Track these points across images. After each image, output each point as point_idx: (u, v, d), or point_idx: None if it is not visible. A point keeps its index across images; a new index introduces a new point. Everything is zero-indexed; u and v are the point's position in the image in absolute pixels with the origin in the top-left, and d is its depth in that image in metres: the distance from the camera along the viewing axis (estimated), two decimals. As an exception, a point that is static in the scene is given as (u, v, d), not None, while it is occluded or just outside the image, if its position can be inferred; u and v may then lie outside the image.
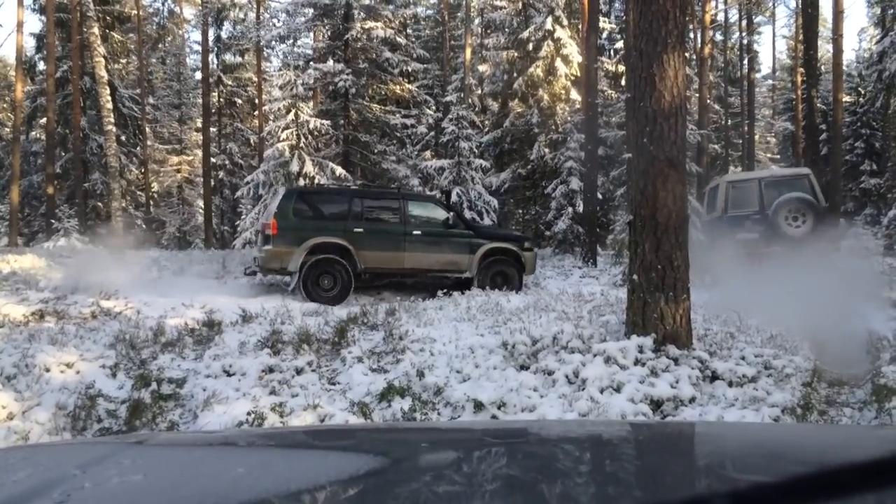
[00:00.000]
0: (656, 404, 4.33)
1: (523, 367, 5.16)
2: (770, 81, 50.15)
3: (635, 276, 5.12)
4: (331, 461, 1.32)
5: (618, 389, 4.42)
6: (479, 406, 4.44)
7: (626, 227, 12.15)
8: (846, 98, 30.28)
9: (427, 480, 1.16)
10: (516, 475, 1.19)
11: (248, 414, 4.36)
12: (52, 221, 22.44)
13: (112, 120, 14.89)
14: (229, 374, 5.42)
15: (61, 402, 4.49)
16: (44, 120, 26.91)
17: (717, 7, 33.08)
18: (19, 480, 1.10)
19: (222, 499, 1.01)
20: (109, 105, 14.80)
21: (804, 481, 0.59)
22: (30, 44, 30.35)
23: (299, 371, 5.50)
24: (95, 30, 14.86)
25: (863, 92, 36.36)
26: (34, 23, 65.34)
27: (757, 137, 40.77)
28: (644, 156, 5.06)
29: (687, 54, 5.17)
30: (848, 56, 35.92)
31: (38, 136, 30.65)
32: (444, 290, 10.29)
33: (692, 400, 4.34)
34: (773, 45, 60.25)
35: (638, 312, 5.10)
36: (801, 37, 39.12)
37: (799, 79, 37.34)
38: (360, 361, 5.81)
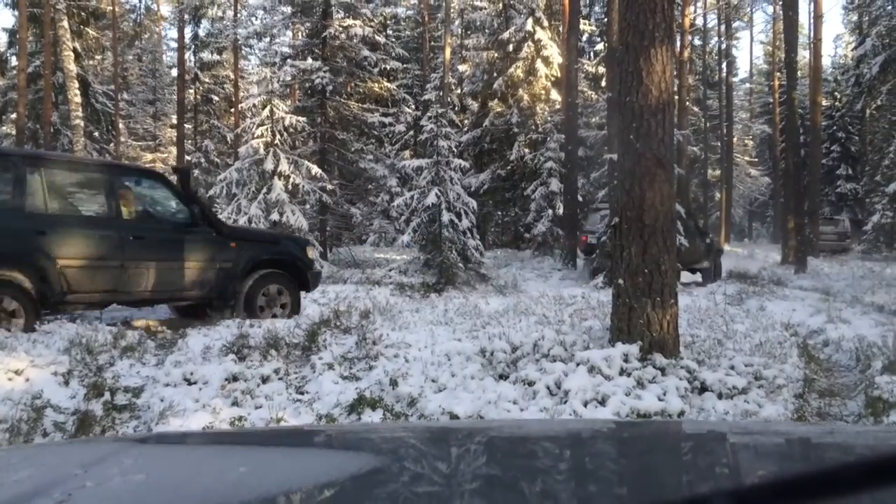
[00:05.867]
0: (643, 418, 4.07)
1: (502, 377, 4.88)
2: (747, 85, 50.51)
3: (621, 281, 4.86)
4: (333, 460, 1.31)
5: (602, 402, 4.16)
6: (454, 419, 4.17)
7: (607, 230, 12.07)
8: (822, 102, 30.39)
9: (429, 478, 1.16)
10: (516, 475, 1.17)
11: (204, 429, 4.04)
12: (21, 219, 21.87)
13: (80, 114, 14.46)
14: (190, 383, 5.09)
15: (2, 415, 4.14)
16: (14, 115, 26.27)
17: (695, 11, 33.14)
18: (20, 480, 1.08)
19: (224, 498, 1.01)
20: (78, 99, 14.37)
21: (798, 480, 0.57)
22: (2, 39, 29.72)
23: (265, 379, 5.18)
24: (65, 23, 14.43)
25: (839, 96, 36.62)
26: (7, 17, 64.29)
27: (735, 140, 40.94)
28: (630, 154, 4.82)
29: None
30: (824, 61, 36.04)
31: (8, 131, 29.95)
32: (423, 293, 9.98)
33: (681, 414, 4.09)
34: (750, 50, 60.83)
35: (623, 319, 4.84)
36: (778, 42, 39.45)
37: (776, 83, 37.58)
38: (331, 368, 5.50)
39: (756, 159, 46.58)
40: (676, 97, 24.73)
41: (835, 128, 35.04)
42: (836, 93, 36.70)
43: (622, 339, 4.79)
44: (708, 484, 1.12)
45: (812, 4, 28.88)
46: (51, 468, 1.17)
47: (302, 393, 5.10)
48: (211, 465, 1.23)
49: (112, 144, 30.52)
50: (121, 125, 32.56)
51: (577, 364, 4.57)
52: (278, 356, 5.85)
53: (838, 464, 0.60)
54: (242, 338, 6.21)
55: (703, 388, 4.47)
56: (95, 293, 7.30)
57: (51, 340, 6.01)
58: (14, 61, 27.15)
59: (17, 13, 25.71)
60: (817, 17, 21.15)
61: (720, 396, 4.40)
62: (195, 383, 5.07)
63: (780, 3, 37.99)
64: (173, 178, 8.57)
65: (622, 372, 4.49)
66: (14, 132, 26.17)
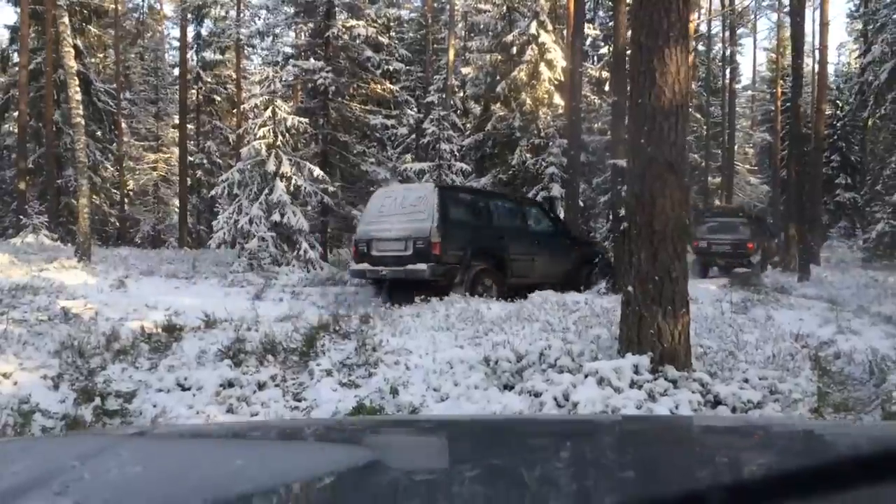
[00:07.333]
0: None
1: (507, 387, 4.72)
2: (749, 93, 50.35)
3: (630, 289, 4.69)
4: (329, 453, 1.32)
5: (612, 415, 4.00)
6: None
7: (608, 235, 12.02)
8: (826, 110, 30.24)
9: (425, 472, 1.16)
10: (511, 468, 1.17)
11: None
12: (21, 217, 21.77)
13: (80, 112, 14.26)
14: (184, 389, 4.92)
15: (-12, 420, 3.99)
16: (16, 113, 26.14)
17: (699, 17, 33.04)
18: (18, 472, 1.09)
19: (221, 490, 1.01)
20: (78, 97, 14.18)
21: (798, 475, 0.57)
22: (4, 35, 29.62)
23: (261, 386, 5.02)
24: (66, 19, 14.23)
25: (840, 104, 36.47)
26: (9, 14, 64.20)
27: (736, 147, 40.76)
28: (641, 158, 4.65)
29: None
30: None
31: (10, 129, 29.83)
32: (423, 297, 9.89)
33: (694, 428, 3.93)
34: (753, 57, 60.55)
35: (633, 328, 4.67)
36: (782, 49, 39.33)
37: (779, 90, 37.45)
38: (329, 375, 5.35)
39: (756, 167, 46.42)
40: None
41: (835, 136, 34.87)
42: (837, 101, 36.55)
43: (632, 349, 4.62)
44: (704, 478, 1.13)
45: (817, 12, 28.81)
46: (48, 460, 1.17)
47: (299, 400, 4.94)
48: (208, 459, 1.24)
49: (115, 144, 30.38)
50: (123, 124, 32.42)
51: (586, 375, 4.41)
52: (275, 361, 5.70)
53: (838, 459, 0.63)
54: (239, 342, 6.05)
55: (717, 402, 4.31)
56: (521, 277, 10.83)
57: (41, 342, 5.85)
58: (16, 58, 27.06)
59: (19, 9, 25.65)
60: (823, 25, 20.97)
61: (734, 410, 4.23)
62: (189, 389, 4.91)
63: (785, 10, 38.05)
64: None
65: (633, 384, 4.32)
66: (16, 130, 26.10)
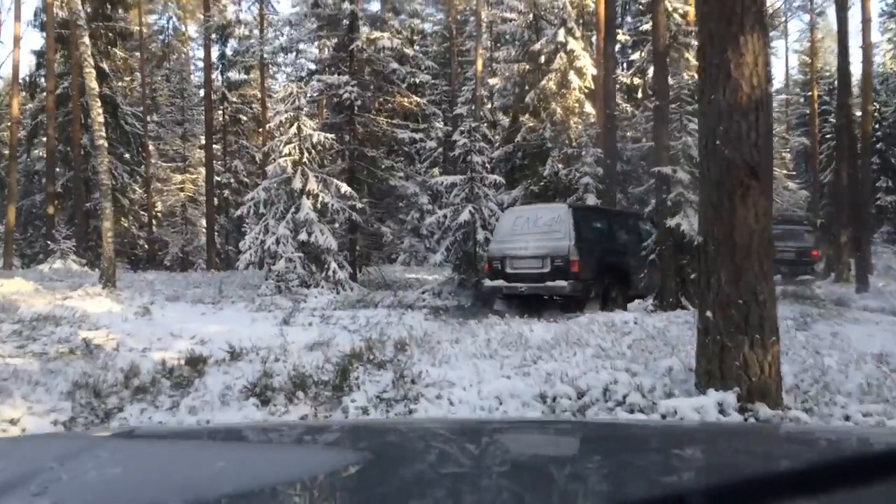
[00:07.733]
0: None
1: (569, 429, 4.16)
2: (783, 96, 49.27)
3: (709, 314, 4.07)
4: (314, 456, 1.29)
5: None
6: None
7: (655, 248, 11.36)
8: (859, 112, 29.27)
9: (411, 476, 1.10)
10: (500, 471, 1.15)
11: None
12: (49, 243, 21.69)
13: (104, 134, 13.98)
14: (205, 434, 4.43)
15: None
16: (45, 138, 26.26)
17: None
18: None
19: (202, 492, 0.98)
20: (101, 119, 13.92)
21: (788, 478, 0.59)
22: (31, 61, 29.86)
23: (290, 429, 4.51)
24: (86, 40, 14.01)
25: (877, 105, 35.39)
26: (37, 39, 65.32)
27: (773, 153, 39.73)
28: (716, 161, 4.05)
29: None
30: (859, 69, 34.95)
31: (40, 154, 30.04)
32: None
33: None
34: (786, 60, 59.28)
35: (713, 359, 4.05)
36: (816, 51, 38.32)
37: (815, 93, 36.43)
38: (365, 413, 4.82)
39: (794, 172, 45.35)
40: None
41: (874, 139, 33.82)
42: (875, 102, 35.53)
43: (713, 384, 4.00)
44: (707, 478, 1.12)
45: (849, 12, 27.95)
46: (25, 461, 1.15)
47: (333, 445, 4.41)
48: (188, 460, 1.22)
49: (142, 166, 30.40)
50: (150, 146, 32.48)
51: (662, 415, 3.82)
52: (305, 398, 5.18)
53: (825, 462, 0.62)
54: (266, 376, 5.54)
55: (820, 446, 3.70)
56: (638, 289, 11.34)
57: (53, 383, 5.38)
58: (44, 83, 27.18)
59: (45, 35, 25.76)
60: (866, 21, 20.18)
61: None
62: (210, 434, 4.40)
63: (817, 11, 37.07)
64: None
65: (719, 426, 3.72)
66: (45, 155, 26.17)
